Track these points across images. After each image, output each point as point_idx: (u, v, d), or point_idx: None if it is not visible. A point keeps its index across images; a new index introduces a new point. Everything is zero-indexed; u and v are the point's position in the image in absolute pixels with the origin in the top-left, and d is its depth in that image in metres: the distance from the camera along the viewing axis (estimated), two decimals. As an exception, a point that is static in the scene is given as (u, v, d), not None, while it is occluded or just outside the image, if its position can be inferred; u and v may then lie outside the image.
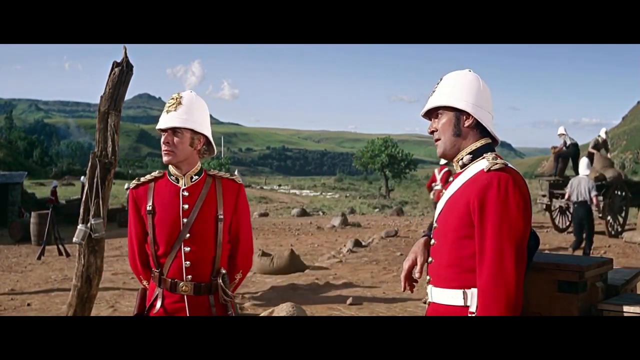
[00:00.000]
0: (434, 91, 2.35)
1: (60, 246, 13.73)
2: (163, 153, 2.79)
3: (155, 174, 2.91)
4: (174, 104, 2.79)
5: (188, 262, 2.78)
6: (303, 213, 27.23)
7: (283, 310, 6.59)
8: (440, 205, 2.33)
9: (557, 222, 16.27)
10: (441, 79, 2.35)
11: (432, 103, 2.33)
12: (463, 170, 2.27)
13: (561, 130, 15.97)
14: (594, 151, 15.68)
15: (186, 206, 2.79)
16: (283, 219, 24.86)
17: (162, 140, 2.78)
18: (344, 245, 13.96)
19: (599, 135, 16.24)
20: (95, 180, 5.57)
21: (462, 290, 2.17)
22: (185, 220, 2.78)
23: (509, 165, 2.17)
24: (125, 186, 21.66)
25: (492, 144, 2.31)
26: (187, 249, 2.77)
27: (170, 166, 2.84)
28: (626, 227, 15.14)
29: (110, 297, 9.09)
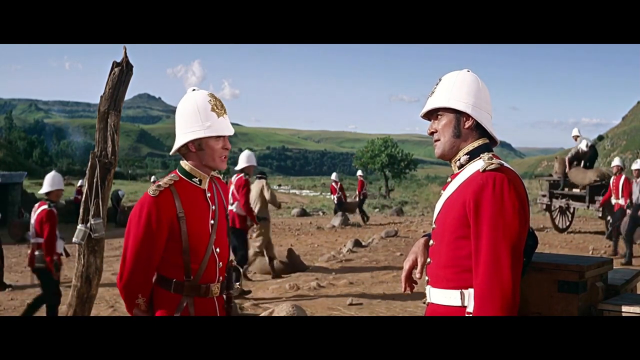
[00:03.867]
0: (433, 92, 2.34)
1: (59, 246, 13.69)
2: (223, 159, 2.73)
3: (172, 177, 2.73)
4: (223, 106, 2.73)
5: (221, 263, 2.76)
6: (303, 213, 27.21)
7: (283, 310, 6.59)
8: (438, 207, 2.32)
9: (557, 222, 16.27)
10: (440, 80, 2.34)
11: (431, 104, 2.32)
12: (460, 171, 2.27)
13: (576, 132, 15.62)
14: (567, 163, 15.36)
15: (214, 207, 2.77)
16: (283, 219, 24.86)
17: (219, 145, 2.68)
18: (344, 245, 13.97)
19: (579, 146, 15.52)
20: (95, 180, 5.55)
21: (460, 290, 2.17)
22: (212, 222, 2.74)
23: (505, 165, 2.17)
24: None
25: (490, 144, 2.31)
26: (217, 250, 2.74)
27: (192, 168, 2.73)
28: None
29: (110, 297, 9.09)
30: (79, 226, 5.59)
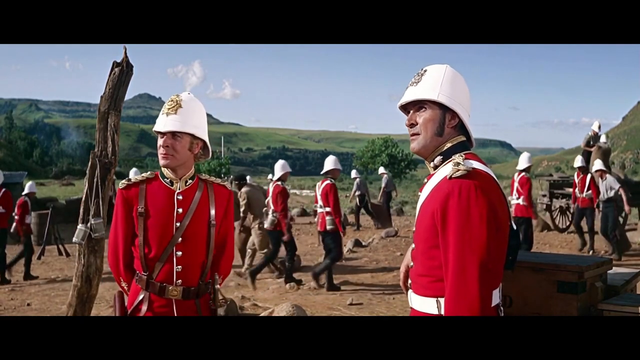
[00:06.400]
0: (416, 81, 2.18)
1: (60, 246, 13.70)
2: (161, 156, 2.75)
3: (146, 175, 2.84)
4: (173, 106, 2.74)
5: (180, 267, 2.76)
6: (303, 213, 27.14)
7: (283, 310, 6.59)
8: (417, 209, 2.19)
9: (557, 222, 16.25)
10: (425, 70, 2.19)
11: (418, 94, 2.15)
12: (434, 173, 2.14)
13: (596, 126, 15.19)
14: (588, 149, 14.97)
15: (180, 210, 2.77)
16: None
17: (159, 142, 2.73)
18: (344, 246, 13.94)
19: (592, 129, 15.23)
20: (95, 180, 5.55)
21: (436, 299, 2.06)
22: (178, 224, 2.76)
23: (477, 167, 2.03)
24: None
25: (466, 143, 2.18)
26: (179, 253, 2.75)
27: (164, 169, 2.81)
28: (626, 227, 15.11)
29: (110, 297, 9.09)
30: (79, 226, 5.58)
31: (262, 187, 12.03)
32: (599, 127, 15.02)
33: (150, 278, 2.76)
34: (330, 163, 9.43)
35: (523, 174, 10.45)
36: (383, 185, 20.02)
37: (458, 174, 1.96)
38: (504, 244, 2.03)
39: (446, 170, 2.03)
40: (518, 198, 10.37)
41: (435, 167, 2.14)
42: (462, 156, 2.05)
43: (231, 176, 24.69)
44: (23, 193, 12.13)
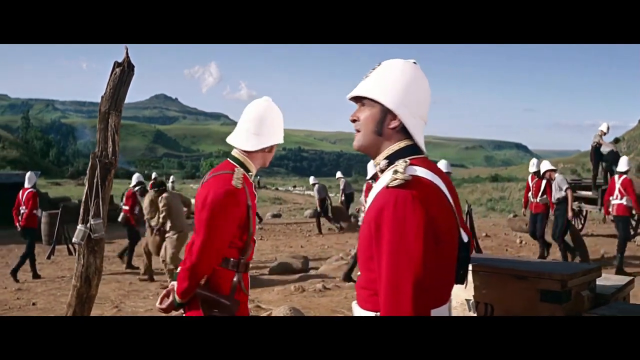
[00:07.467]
0: (367, 75, 2.06)
1: (69, 245, 13.80)
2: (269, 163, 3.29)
3: (243, 171, 3.08)
4: None
5: (256, 244, 3.24)
6: (316, 214, 27.08)
7: (281, 312, 6.57)
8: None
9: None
10: (379, 65, 2.07)
11: (359, 90, 2.05)
12: (380, 177, 2.00)
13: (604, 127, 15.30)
14: (612, 146, 14.94)
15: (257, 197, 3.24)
16: (295, 220, 24.83)
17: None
18: (354, 247, 13.91)
19: (600, 130, 15.18)
20: (95, 180, 5.55)
21: (375, 313, 1.91)
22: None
23: (421, 175, 1.88)
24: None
25: (416, 147, 2.01)
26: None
27: (251, 164, 3.14)
28: (639, 231, 14.93)
29: (115, 297, 9.12)
30: (79, 226, 5.59)
31: (181, 194, 11.98)
32: (608, 128, 15.09)
33: (245, 260, 3.09)
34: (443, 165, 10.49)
35: (625, 176, 11.37)
36: (342, 187, 21.96)
37: (395, 183, 1.82)
38: (448, 258, 1.89)
39: (387, 177, 1.89)
40: (621, 198, 11.24)
41: (382, 171, 2.01)
42: (406, 162, 1.89)
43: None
44: (131, 185, 12.84)
